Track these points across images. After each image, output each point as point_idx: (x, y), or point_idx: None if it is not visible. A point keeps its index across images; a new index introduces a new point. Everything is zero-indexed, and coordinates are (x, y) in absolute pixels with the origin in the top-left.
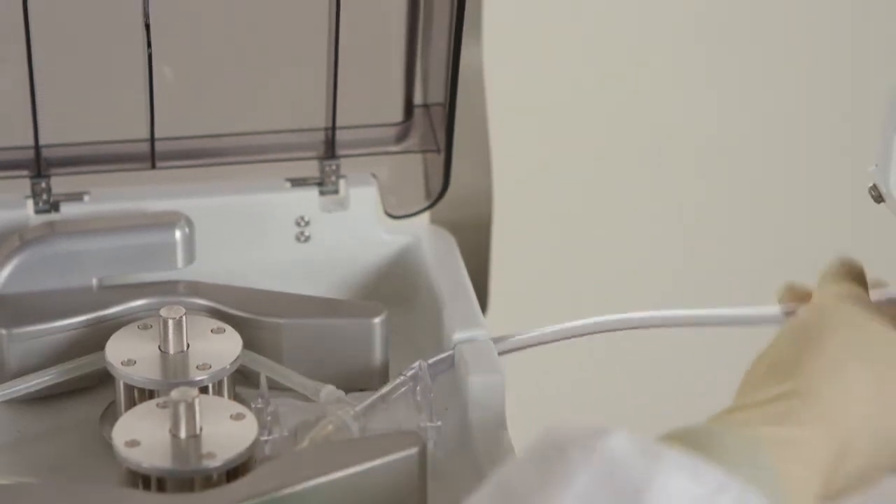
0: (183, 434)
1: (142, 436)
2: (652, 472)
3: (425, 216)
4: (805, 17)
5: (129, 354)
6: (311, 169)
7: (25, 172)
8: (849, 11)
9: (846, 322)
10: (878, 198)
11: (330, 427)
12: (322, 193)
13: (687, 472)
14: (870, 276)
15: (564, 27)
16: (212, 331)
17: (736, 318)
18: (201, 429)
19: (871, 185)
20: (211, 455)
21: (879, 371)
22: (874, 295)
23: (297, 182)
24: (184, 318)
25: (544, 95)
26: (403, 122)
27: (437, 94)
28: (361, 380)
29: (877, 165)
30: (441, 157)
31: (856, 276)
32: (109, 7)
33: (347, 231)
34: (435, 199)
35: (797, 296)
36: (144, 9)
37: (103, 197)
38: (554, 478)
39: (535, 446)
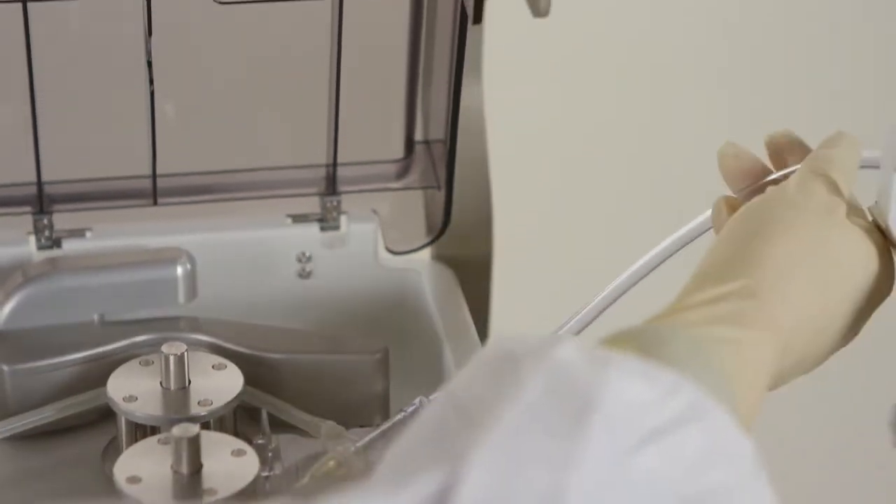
0: (185, 470)
1: (143, 472)
2: (602, 378)
3: (426, 252)
4: (818, 27)
5: (131, 390)
6: (312, 205)
7: (28, 209)
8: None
9: (790, 220)
10: None
11: (331, 463)
12: (323, 229)
13: (637, 377)
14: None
15: (565, 63)
16: (213, 367)
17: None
18: (203, 465)
19: (870, 220)
20: (212, 491)
21: (823, 270)
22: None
23: (299, 218)
24: (185, 354)
25: (545, 131)
26: (404, 158)
27: (438, 131)
28: (362, 415)
29: (877, 202)
30: (442, 194)
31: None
32: (112, 44)
33: (348, 267)
34: (436, 235)
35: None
36: (146, 46)
37: (105, 233)
38: (504, 388)
39: (485, 357)
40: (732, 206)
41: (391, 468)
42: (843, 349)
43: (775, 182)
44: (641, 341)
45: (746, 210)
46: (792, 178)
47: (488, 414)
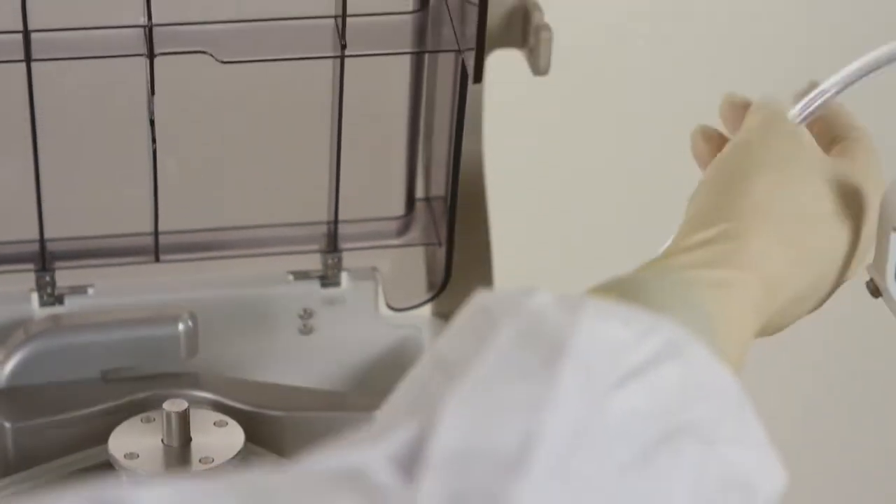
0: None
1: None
2: (575, 321)
3: (427, 308)
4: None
5: (132, 448)
6: (313, 262)
7: (30, 266)
8: None
9: (771, 162)
10: (876, 292)
11: None
12: (324, 286)
13: (612, 318)
14: None
15: (565, 120)
16: (215, 424)
17: None
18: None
19: (867, 279)
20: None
21: (803, 207)
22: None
23: (300, 275)
24: (187, 411)
25: (545, 187)
26: (405, 215)
27: (439, 188)
28: None
29: (874, 261)
30: (442, 251)
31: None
32: (114, 102)
33: (349, 323)
34: (436, 291)
35: (737, 106)
36: (149, 105)
37: (107, 290)
38: (479, 340)
39: (464, 315)
40: (708, 136)
41: (372, 426)
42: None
43: None
44: (623, 288)
45: (722, 156)
46: (756, 124)
47: (463, 366)
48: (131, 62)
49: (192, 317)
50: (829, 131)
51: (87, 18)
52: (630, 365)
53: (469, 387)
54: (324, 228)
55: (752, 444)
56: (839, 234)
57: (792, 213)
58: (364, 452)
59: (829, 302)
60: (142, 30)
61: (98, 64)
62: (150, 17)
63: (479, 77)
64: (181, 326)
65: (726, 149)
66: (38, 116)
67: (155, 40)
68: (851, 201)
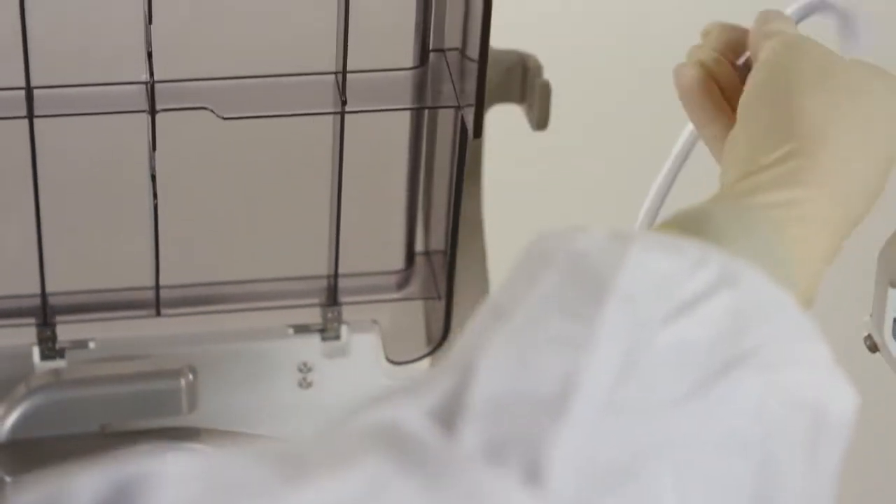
0: None
1: None
2: (621, 256)
3: (426, 361)
4: None
5: None
6: (313, 315)
7: (32, 320)
8: None
9: (815, 81)
10: (873, 347)
11: None
12: (324, 339)
13: (661, 251)
14: None
15: (565, 174)
16: None
17: None
18: None
19: (865, 334)
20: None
21: (866, 109)
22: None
23: (300, 328)
24: None
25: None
26: (405, 269)
27: (439, 242)
28: None
29: (871, 316)
30: (442, 304)
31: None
32: (116, 157)
33: (349, 377)
34: (436, 345)
35: (737, 31)
36: (150, 160)
37: (108, 344)
38: (531, 280)
39: (520, 258)
40: (698, 64)
41: (413, 380)
42: None
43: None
44: (684, 221)
45: (756, 85)
46: (781, 46)
47: (509, 308)
48: (133, 118)
49: (193, 371)
50: None
51: (90, 75)
52: (681, 298)
53: (509, 331)
54: (324, 282)
55: (818, 367)
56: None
57: (856, 123)
58: (399, 408)
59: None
60: (144, 86)
61: (100, 120)
62: (151, 74)
63: (478, 133)
64: (182, 381)
65: (756, 78)
66: (40, 171)
67: (157, 97)
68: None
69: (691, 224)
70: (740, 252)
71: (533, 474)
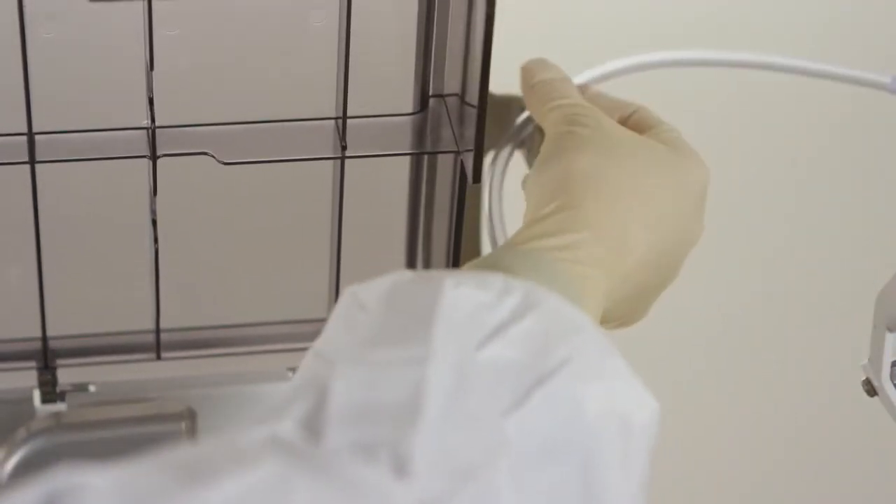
0: None
1: None
2: (438, 288)
3: None
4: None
5: None
6: None
7: (32, 363)
8: None
9: (590, 140)
10: (871, 391)
11: None
12: None
13: (471, 285)
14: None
15: None
16: None
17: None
18: None
19: (863, 378)
20: None
21: (627, 173)
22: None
23: None
24: None
25: None
26: None
27: None
28: None
29: (869, 360)
30: None
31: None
32: (117, 202)
33: None
34: None
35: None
36: (151, 205)
37: (109, 387)
38: (350, 319)
39: (335, 309)
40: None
41: (271, 405)
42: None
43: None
44: (478, 266)
45: (544, 151)
46: (561, 118)
47: (340, 343)
48: (134, 163)
49: (192, 414)
50: (638, 127)
51: (91, 121)
52: (493, 322)
53: (351, 356)
54: (322, 325)
55: (619, 378)
56: (676, 196)
57: (621, 179)
58: (273, 422)
59: (822, 404)
60: (145, 131)
61: (101, 165)
62: (153, 120)
63: (477, 178)
64: (182, 424)
65: (542, 151)
66: (41, 215)
67: (157, 142)
68: (680, 160)
69: (483, 266)
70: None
71: (400, 468)
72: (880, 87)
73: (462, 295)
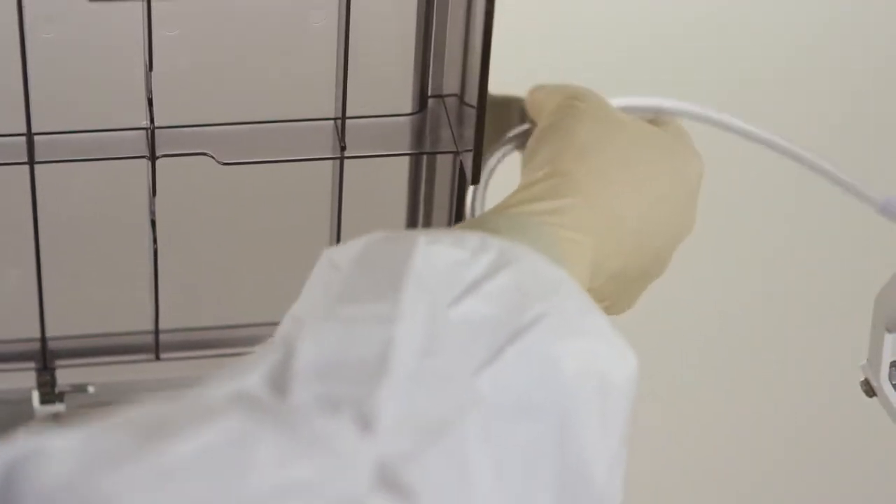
0: None
1: None
2: (411, 246)
3: None
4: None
5: None
6: None
7: (31, 364)
8: None
9: (589, 114)
10: (870, 392)
11: None
12: None
13: (446, 242)
14: None
15: None
16: None
17: None
18: None
19: (862, 379)
20: None
21: (623, 148)
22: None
23: None
24: None
25: None
26: None
27: None
28: None
29: (868, 361)
30: None
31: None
32: (116, 202)
33: None
34: None
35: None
36: (150, 205)
37: (107, 388)
38: (326, 281)
39: (313, 272)
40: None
41: (243, 360)
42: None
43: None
44: (463, 227)
45: (540, 128)
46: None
47: (311, 300)
48: (133, 163)
49: None
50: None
51: (90, 121)
52: (466, 280)
53: (320, 313)
54: None
55: (598, 334)
56: (671, 181)
57: (615, 152)
58: (239, 379)
59: (821, 404)
60: (144, 132)
61: (100, 165)
62: (152, 120)
63: (476, 179)
64: None
65: (542, 123)
66: (40, 216)
67: (157, 142)
68: (678, 148)
69: (468, 227)
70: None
71: (365, 424)
72: (872, 204)
73: (436, 252)
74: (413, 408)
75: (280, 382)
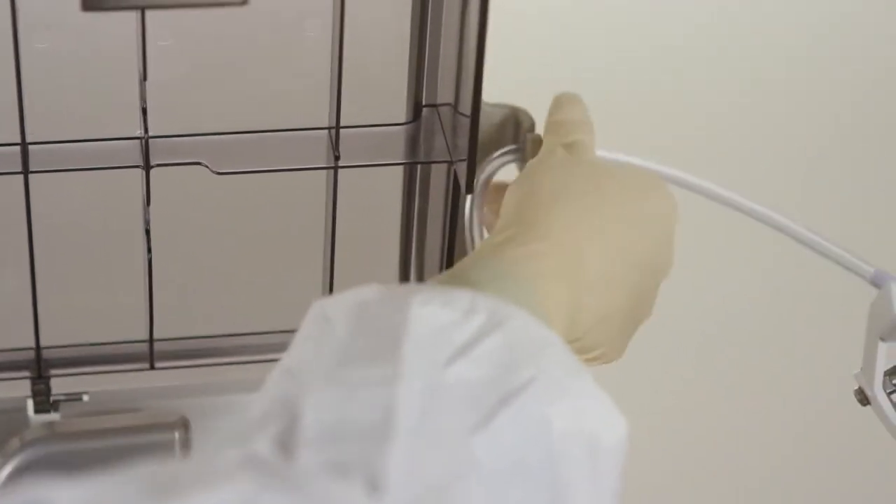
0: None
1: None
2: (405, 307)
3: None
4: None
5: None
6: None
7: (26, 373)
8: None
9: (552, 167)
10: (864, 400)
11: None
12: None
13: (437, 303)
14: None
15: None
16: None
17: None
18: None
19: (856, 387)
20: None
21: (587, 193)
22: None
23: None
24: None
25: None
26: None
27: None
28: None
29: (862, 369)
30: None
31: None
32: (110, 212)
33: None
34: None
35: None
36: (144, 214)
37: (102, 397)
38: (321, 338)
39: (303, 324)
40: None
41: (243, 423)
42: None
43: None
44: (447, 282)
45: (516, 181)
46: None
47: (310, 362)
48: (127, 173)
49: (186, 424)
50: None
51: (84, 131)
52: (460, 341)
53: (322, 375)
54: None
55: (587, 396)
56: (640, 224)
57: (581, 199)
58: (250, 441)
59: (818, 410)
60: (138, 142)
61: (95, 175)
62: (146, 130)
63: (470, 188)
64: (176, 435)
65: (528, 164)
66: (35, 225)
67: (151, 152)
68: (647, 192)
69: (450, 281)
70: (497, 296)
71: (373, 486)
72: (862, 275)
73: (429, 314)
74: (417, 467)
75: (287, 446)
